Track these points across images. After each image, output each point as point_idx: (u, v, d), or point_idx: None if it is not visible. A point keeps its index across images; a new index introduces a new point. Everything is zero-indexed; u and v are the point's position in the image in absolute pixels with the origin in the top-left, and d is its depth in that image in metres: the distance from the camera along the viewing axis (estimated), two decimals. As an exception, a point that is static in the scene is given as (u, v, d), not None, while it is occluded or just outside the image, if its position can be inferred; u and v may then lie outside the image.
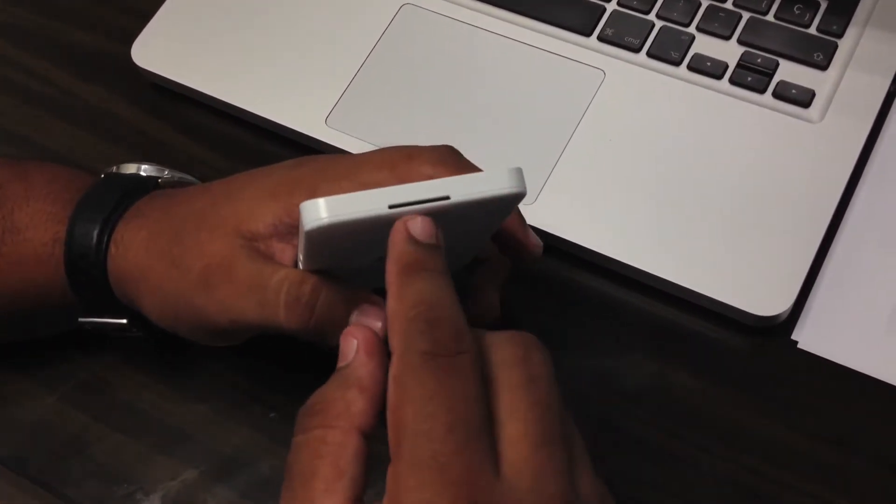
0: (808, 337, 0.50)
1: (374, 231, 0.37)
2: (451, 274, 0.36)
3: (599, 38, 0.58)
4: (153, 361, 0.51)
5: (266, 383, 0.52)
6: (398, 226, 0.36)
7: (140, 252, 0.45)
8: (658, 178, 0.53)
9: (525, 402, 0.35)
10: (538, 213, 0.53)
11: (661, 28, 0.57)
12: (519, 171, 0.38)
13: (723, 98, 0.55)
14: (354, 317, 0.42)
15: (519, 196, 0.38)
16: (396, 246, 0.36)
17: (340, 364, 0.37)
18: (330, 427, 0.35)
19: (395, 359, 0.34)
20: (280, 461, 0.48)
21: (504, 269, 0.47)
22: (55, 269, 0.46)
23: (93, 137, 0.60)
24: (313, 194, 0.41)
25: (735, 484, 0.48)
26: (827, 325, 0.50)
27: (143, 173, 0.50)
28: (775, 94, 0.55)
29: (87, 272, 0.46)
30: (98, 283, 0.46)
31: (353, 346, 0.37)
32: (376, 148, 0.45)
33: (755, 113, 0.55)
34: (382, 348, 0.37)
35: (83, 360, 0.53)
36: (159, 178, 0.50)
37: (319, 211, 0.36)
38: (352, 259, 0.41)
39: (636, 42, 0.57)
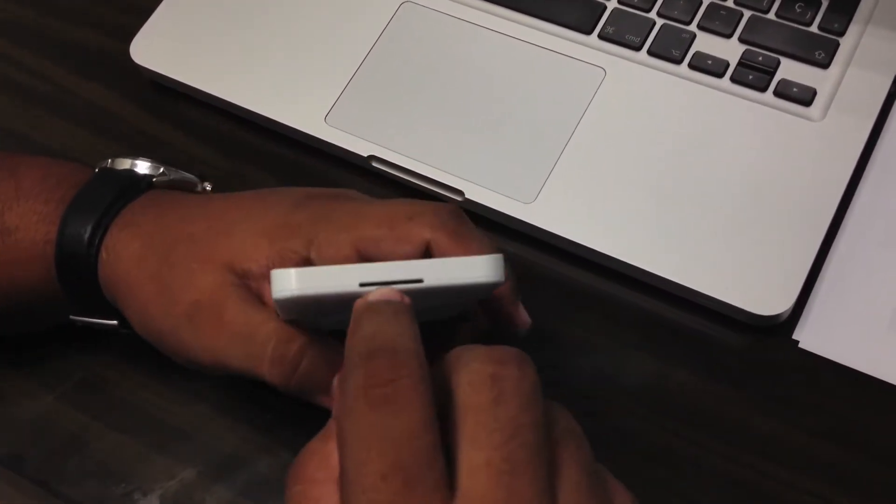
0: (809, 336, 0.50)
1: (344, 302, 0.37)
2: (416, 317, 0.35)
3: (600, 37, 0.57)
4: (152, 360, 0.50)
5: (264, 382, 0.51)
6: (359, 301, 0.35)
7: (130, 266, 0.45)
8: (658, 177, 0.53)
9: (487, 425, 0.31)
10: (538, 212, 0.53)
11: (661, 26, 0.57)
12: (498, 260, 0.37)
13: (724, 96, 0.55)
14: (335, 382, 0.42)
15: (496, 285, 0.37)
16: (355, 309, 0.35)
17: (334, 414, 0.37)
18: (309, 482, 0.34)
19: (335, 401, 0.33)
20: (279, 460, 0.49)
21: (480, 326, 0.46)
22: (47, 269, 0.46)
23: (91, 135, 0.60)
24: (309, 244, 0.42)
25: (736, 482, 0.47)
26: (828, 324, 0.50)
27: (137, 170, 0.49)
28: (776, 93, 0.55)
29: (78, 274, 0.46)
30: (89, 285, 0.46)
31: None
32: (380, 200, 0.45)
33: (756, 111, 0.54)
34: None
35: (82, 359, 0.52)
36: (154, 176, 0.49)
37: (290, 281, 0.36)
38: (326, 316, 0.41)
39: (637, 40, 0.57)
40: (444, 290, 0.37)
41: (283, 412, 0.50)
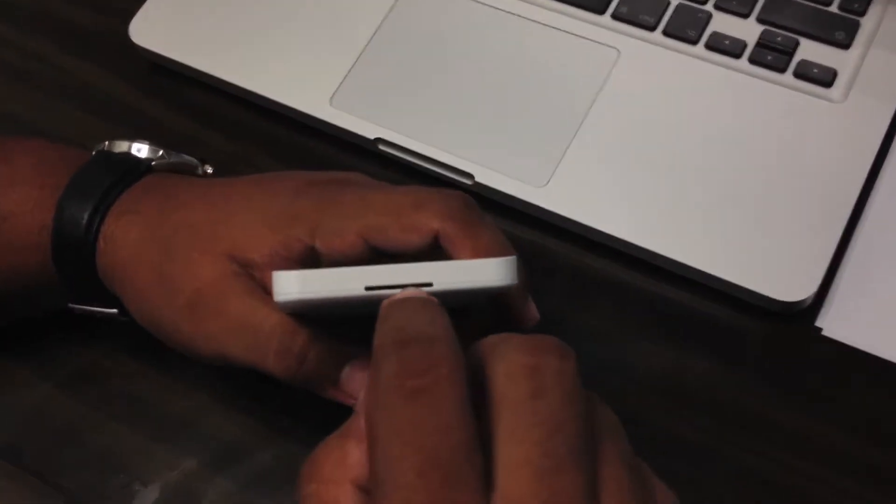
0: (832, 323, 0.49)
1: (349, 303, 0.36)
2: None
3: (613, 16, 0.56)
4: (151, 349, 0.49)
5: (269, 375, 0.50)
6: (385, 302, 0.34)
7: (129, 255, 0.44)
8: (675, 160, 0.52)
9: (526, 420, 0.29)
10: (551, 196, 0.52)
11: (677, 5, 0.56)
12: (511, 263, 0.36)
13: (742, 77, 0.54)
14: (346, 372, 0.41)
15: (507, 288, 0.36)
16: (382, 307, 0.34)
17: (356, 407, 0.35)
18: (323, 482, 0.32)
19: (365, 392, 0.31)
20: (282, 451, 0.49)
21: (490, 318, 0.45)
22: (43, 256, 0.45)
23: (88, 117, 0.59)
24: (312, 233, 0.41)
25: (760, 477, 0.46)
26: (852, 311, 0.49)
27: (136, 152, 0.48)
28: (796, 74, 0.53)
29: (75, 262, 0.45)
30: (86, 273, 0.45)
31: (361, 387, 0.35)
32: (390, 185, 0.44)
33: (775, 93, 0.53)
34: None
35: (79, 347, 0.51)
36: (153, 160, 0.48)
37: (291, 284, 0.35)
38: (331, 311, 0.40)
39: (651, 20, 0.56)
40: (454, 293, 0.36)
41: (287, 401, 0.49)
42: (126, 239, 0.44)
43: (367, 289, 0.35)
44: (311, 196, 0.43)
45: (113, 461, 0.49)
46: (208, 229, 0.43)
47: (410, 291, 0.34)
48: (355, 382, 0.42)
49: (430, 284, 0.35)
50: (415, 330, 0.31)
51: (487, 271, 0.36)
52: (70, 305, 0.48)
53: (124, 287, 0.44)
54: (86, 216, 0.44)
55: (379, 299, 0.34)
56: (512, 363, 0.30)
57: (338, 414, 0.38)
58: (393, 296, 0.34)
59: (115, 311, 0.47)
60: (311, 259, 0.41)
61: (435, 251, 0.40)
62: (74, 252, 0.44)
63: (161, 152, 0.49)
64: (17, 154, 0.47)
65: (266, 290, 0.42)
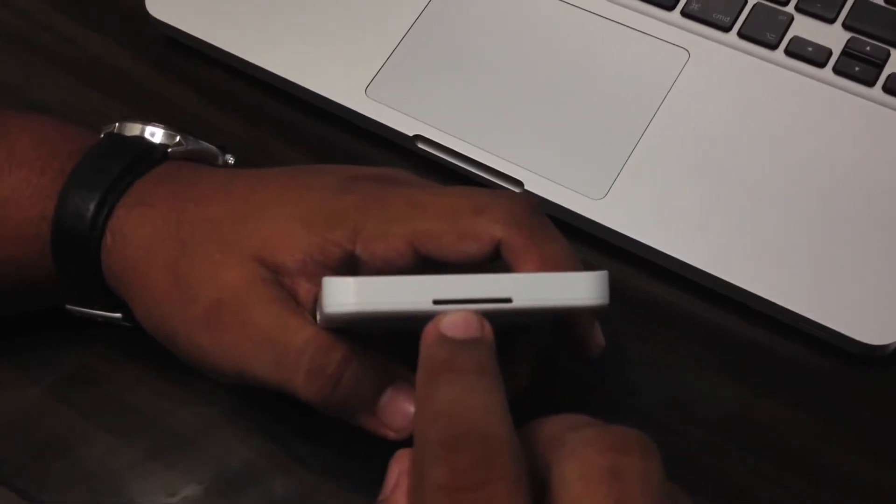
0: (919, 370, 0.45)
1: (410, 320, 0.31)
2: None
3: (683, 14, 0.53)
4: (153, 353, 0.46)
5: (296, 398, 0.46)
6: (429, 328, 0.30)
7: (140, 254, 0.41)
8: (748, 177, 0.48)
9: None
10: (609, 211, 0.48)
11: (755, 5, 0.52)
12: (603, 278, 0.32)
13: (825, 89, 0.50)
14: (386, 398, 0.38)
15: (599, 308, 0.32)
16: (423, 347, 0.30)
17: (381, 497, 0.31)
18: None
19: (408, 495, 0.28)
20: (296, 480, 0.45)
21: (543, 340, 0.41)
22: (42, 249, 0.42)
23: (96, 93, 0.56)
24: (354, 236, 0.37)
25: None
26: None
27: (149, 136, 0.45)
28: (885, 89, 0.50)
29: (77, 259, 0.42)
30: (89, 272, 0.42)
31: (394, 476, 0.31)
32: (445, 187, 0.40)
33: (862, 108, 0.49)
34: None
35: (72, 348, 0.48)
36: (170, 146, 0.45)
37: (348, 294, 0.32)
38: (381, 329, 0.36)
39: (726, 20, 0.52)
40: (533, 311, 0.32)
41: (307, 423, 0.45)
42: (137, 235, 0.41)
43: (436, 302, 0.31)
44: (353, 193, 0.39)
45: (105, 480, 0.45)
46: (233, 226, 0.39)
47: (458, 320, 0.30)
48: (395, 412, 0.38)
49: (509, 300, 0.31)
50: (468, 422, 0.28)
51: (578, 288, 0.32)
52: (68, 307, 0.44)
53: (132, 290, 0.41)
54: (91, 207, 0.41)
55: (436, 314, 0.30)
56: (588, 465, 0.28)
57: (364, 443, 0.34)
58: (437, 319, 0.30)
59: (118, 315, 0.44)
60: (348, 266, 0.38)
61: (489, 264, 0.36)
62: (77, 247, 0.41)
63: (178, 138, 0.45)
64: (15, 131, 0.44)
65: (297, 300, 0.38)
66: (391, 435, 0.38)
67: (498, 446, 0.27)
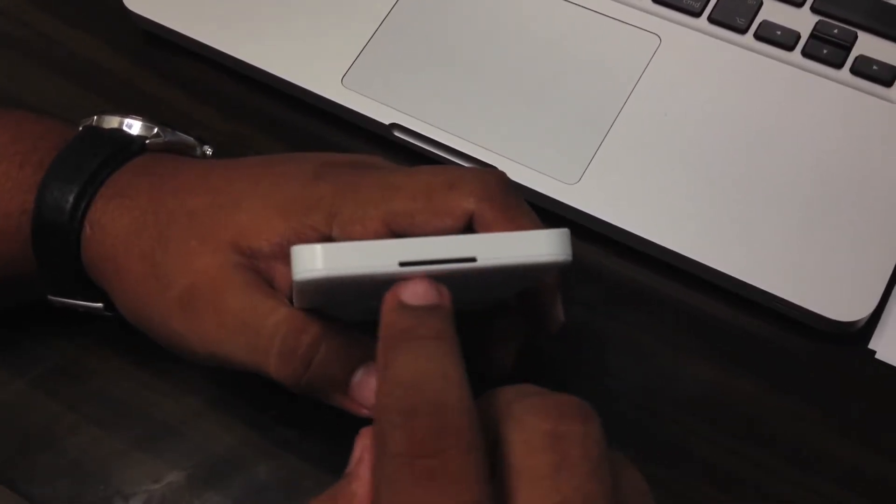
0: (887, 346, 0.46)
1: (379, 285, 0.31)
2: (457, 328, 0.30)
3: (655, 0, 0.53)
4: (137, 345, 0.46)
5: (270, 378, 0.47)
6: (387, 297, 0.31)
7: (118, 244, 0.41)
8: (720, 160, 0.48)
9: (548, 497, 0.27)
10: (583, 195, 0.48)
11: None
12: (564, 235, 0.32)
13: (793, 72, 0.50)
14: (358, 376, 0.38)
15: (560, 266, 0.32)
16: (383, 315, 0.30)
17: (348, 469, 0.32)
18: None
19: (372, 465, 0.28)
20: (280, 465, 0.45)
21: (522, 324, 0.41)
22: (23, 242, 0.42)
23: (75, 88, 0.56)
24: (330, 220, 0.38)
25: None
26: (910, 333, 0.45)
27: (127, 129, 0.45)
28: (853, 70, 0.50)
29: (58, 251, 0.42)
30: (69, 264, 0.43)
31: (359, 450, 0.31)
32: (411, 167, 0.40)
33: (830, 90, 0.50)
34: None
35: (57, 341, 0.49)
36: (147, 138, 0.45)
37: (315, 260, 0.31)
38: (349, 304, 0.36)
39: (696, 5, 0.52)
40: (497, 271, 0.32)
41: (288, 409, 0.46)
42: (115, 226, 0.41)
43: (402, 264, 0.31)
44: (328, 179, 0.39)
45: (91, 470, 0.46)
46: (209, 215, 0.40)
47: (418, 287, 0.30)
48: (367, 390, 0.38)
49: (473, 259, 0.31)
50: (426, 391, 0.28)
51: (540, 244, 0.32)
52: (50, 298, 0.44)
53: (112, 279, 0.41)
54: (70, 199, 0.41)
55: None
56: (531, 430, 0.28)
57: (346, 426, 0.35)
58: (396, 287, 0.30)
59: (100, 305, 0.44)
60: None
61: None
62: (57, 239, 0.42)
63: (155, 130, 0.46)
64: None
65: (272, 284, 0.38)
66: (364, 412, 0.38)
67: (453, 415, 0.28)
